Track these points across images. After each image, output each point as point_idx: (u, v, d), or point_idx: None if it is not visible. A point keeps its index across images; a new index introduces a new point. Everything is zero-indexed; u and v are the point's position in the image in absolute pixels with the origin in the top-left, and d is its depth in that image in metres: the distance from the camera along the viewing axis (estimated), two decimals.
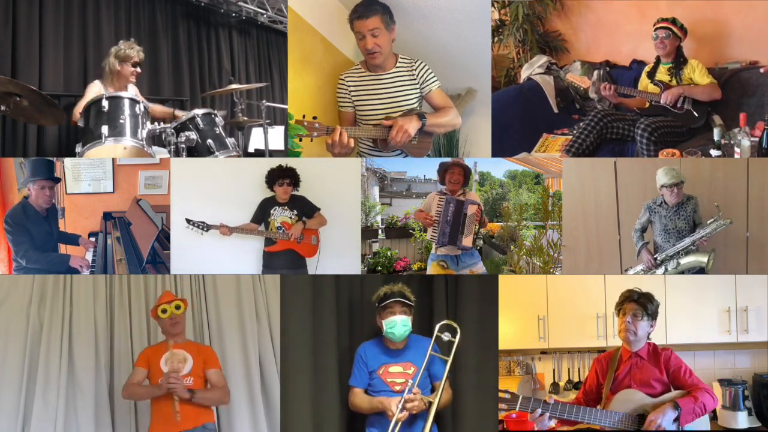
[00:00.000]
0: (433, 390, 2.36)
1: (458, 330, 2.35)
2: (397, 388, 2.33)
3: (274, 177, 2.87)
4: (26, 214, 2.84)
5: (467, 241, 2.95)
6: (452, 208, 2.93)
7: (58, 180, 2.97)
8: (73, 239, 3.22)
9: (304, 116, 2.66)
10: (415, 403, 2.24)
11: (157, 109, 3.59)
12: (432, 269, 3.02)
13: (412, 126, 2.79)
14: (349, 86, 2.91)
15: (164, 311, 2.39)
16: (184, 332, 2.46)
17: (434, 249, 3.04)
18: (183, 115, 3.35)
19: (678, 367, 2.30)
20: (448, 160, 3.10)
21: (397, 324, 2.33)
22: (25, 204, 2.87)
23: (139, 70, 3.41)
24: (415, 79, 2.90)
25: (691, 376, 2.29)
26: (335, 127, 2.68)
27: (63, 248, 3.15)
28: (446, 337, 2.34)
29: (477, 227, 3.00)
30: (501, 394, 2.19)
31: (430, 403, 2.26)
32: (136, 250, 3.05)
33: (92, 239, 3.43)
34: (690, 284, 2.80)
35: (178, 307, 2.41)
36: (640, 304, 2.30)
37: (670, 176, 2.72)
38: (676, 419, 2.16)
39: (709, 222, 2.68)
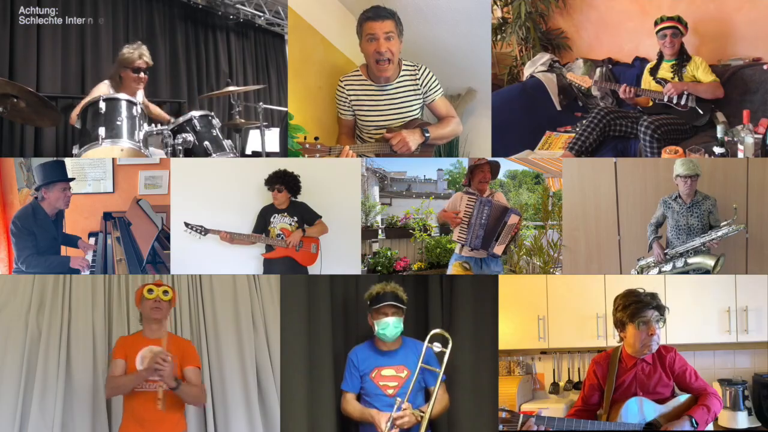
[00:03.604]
0: (426, 395, 2.32)
1: (450, 340, 2.29)
2: (390, 391, 2.31)
3: (272, 181, 2.83)
4: (36, 218, 2.76)
5: (499, 249, 2.89)
6: (487, 211, 2.86)
7: (72, 179, 2.91)
8: (74, 240, 3.22)
9: (305, 137, 2.66)
10: (405, 419, 2.21)
11: (155, 110, 3.55)
12: (454, 269, 2.98)
13: (414, 140, 2.78)
14: (348, 94, 2.88)
15: (150, 291, 2.25)
16: (164, 323, 2.30)
17: (458, 249, 2.99)
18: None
19: (683, 371, 2.25)
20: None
21: (389, 326, 2.31)
22: (35, 206, 2.80)
23: (143, 75, 3.24)
24: (418, 88, 2.87)
25: (698, 379, 2.26)
26: (336, 146, 2.67)
27: (63, 249, 3.14)
28: (437, 347, 2.28)
29: (511, 238, 2.93)
30: (500, 413, 2.11)
31: (423, 416, 2.21)
32: (136, 250, 3.05)
33: (92, 240, 3.43)
34: (690, 284, 2.79)
35: (165, 293, 2.26)
36: (657, 310, 2.18)
37: (686, 167, 2.70)
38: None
39: (722, 225, 2.66)
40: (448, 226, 3.33)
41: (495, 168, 2.98)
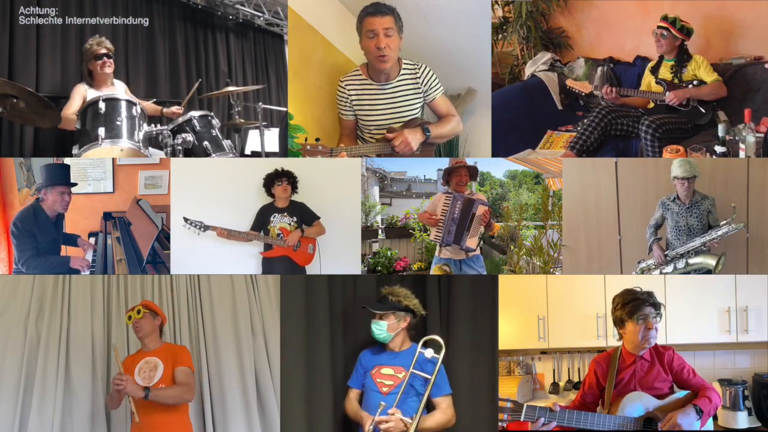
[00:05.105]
0: (428, 406, 2.27)
1: (443, 347, 2.26)
2: (385, 389, 2.30)
3: (272, 178, 2.84)
4: (36, 219, 2.76)
5: (471, 242, 2.87)
6: (459, 205, 2.87)
7: (74, 185, 2.91)
8: (73, 239, 3.21)
9: (306, 139, 2.66)
10: (390, 425, 2.16)
11: (148, 106, 3.54)
12: (434, 272, 2.97)
13: (416, 139, 2.78)
14: (349, 94, 2.88)
15: (129, 317, 2.39)
16: (153, 336, 2.40)
17: (438, 252, 2.99)
18: (171, 113, 3.32)
19: (681, 368, 2.28)
20: (446, 160, 3.07)
21: (373, 328, 2.33)
22: (36, 208, 2.79)
23: (106, 60, 3.23)
24: (418, 87, 2.87)
25: (695, 376, 2.28)
26: (339, 146, 2.68)
27: (63, 249, 3.14)
28: (429, 353, 2.24)
29: (483, 230, 2.93)
30: (502, 404, 2.11)
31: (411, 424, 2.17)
32: (136, 250, 3.05)
33: (91, 240, 3.43)
34: (690, 284, 2.79)
35: (138, 312, 2.37)
36: (654, 307, 2.24)
37: (683, 169, 2.69)
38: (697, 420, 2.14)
39: (722, 224, 2.66)
40: None
41: (473, 171, 2.98)
